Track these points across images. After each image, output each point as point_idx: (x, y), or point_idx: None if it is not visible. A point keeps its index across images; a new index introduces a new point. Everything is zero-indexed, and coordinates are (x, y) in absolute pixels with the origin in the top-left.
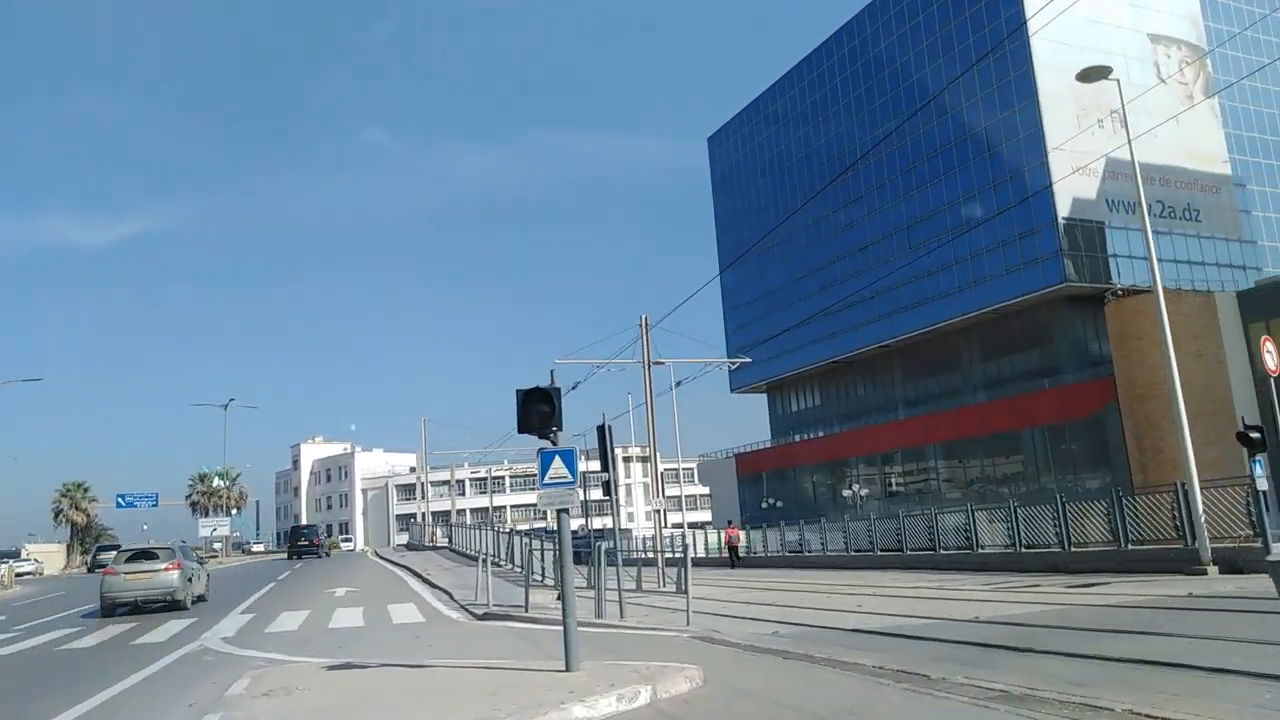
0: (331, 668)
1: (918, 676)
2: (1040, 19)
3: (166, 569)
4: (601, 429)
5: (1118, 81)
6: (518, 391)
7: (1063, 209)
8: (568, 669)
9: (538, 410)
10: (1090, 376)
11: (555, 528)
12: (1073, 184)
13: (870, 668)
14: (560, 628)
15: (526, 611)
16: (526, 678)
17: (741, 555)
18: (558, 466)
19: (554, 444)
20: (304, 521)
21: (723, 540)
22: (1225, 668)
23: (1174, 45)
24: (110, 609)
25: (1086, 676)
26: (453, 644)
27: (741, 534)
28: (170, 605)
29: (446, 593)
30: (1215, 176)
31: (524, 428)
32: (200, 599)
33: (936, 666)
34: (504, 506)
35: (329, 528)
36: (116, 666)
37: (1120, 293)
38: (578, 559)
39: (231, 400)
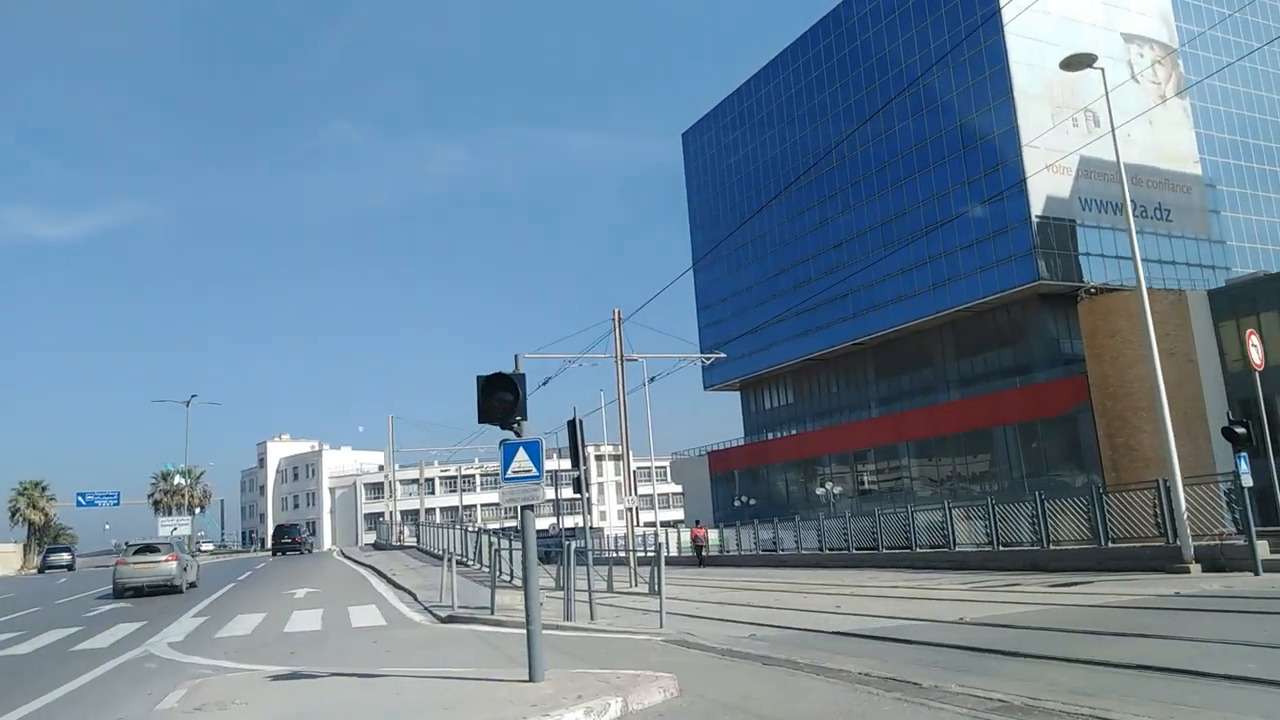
0: (276, 678)
1: (908, 684)
2: (1015, 16)
3: (167, 560)
4: (572, 423)
5: (1102, 70)
6: (478, 378)
7: (1036, 207)
8: (531, 679)
9: (500, 398)
10: (1063, 374)
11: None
12: (1046, 182)
13: (856, 675)
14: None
15: (493, 614)
16: (486, 689)
17: (711, 555)
18: (522, 459)
19: (518, 435)
20: (270, 520)
21: (692, 537)
22: (1244, 675)
23: (1147, 45)
24: (120, 592)
25: (1092, 684)
26: (412, 650)
27: (713, 533)
28: (170, 589)
29: (410, 594)
30: (1186, 176)
31: (485, 417)
32: (192, 585)
33: (926, 673)
34: (474, 505)
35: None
36: (49, 675)
37: (1093, 291)
38: (548, 559)
39: (194, 397)
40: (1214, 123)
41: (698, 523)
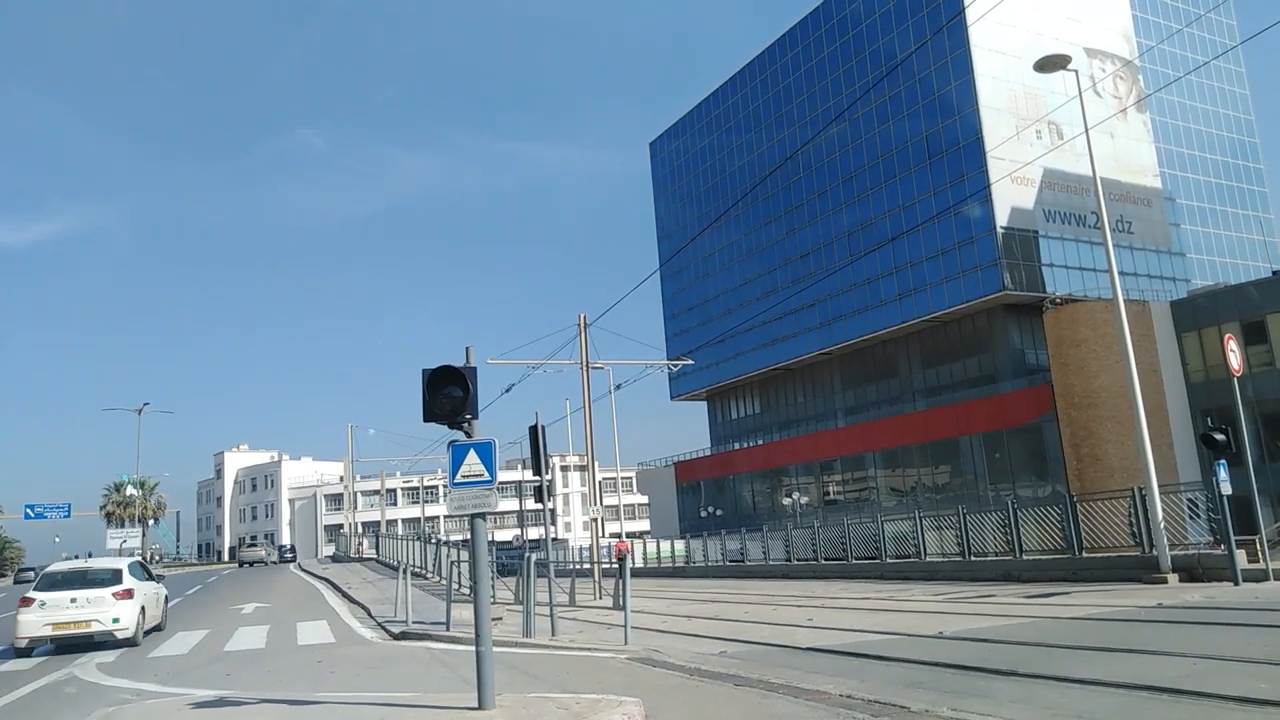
0: (199, 705)
1: (895, 708)
2: (979, 18)
3: (261, 549)
4: (534, 429)
5: (1076, 73)
6: (424, 372)
7: (1001, 218)
8: (480, 706)
9: (448, 394)
10: (1027, 384)
11: (471, 536)
12: (1011, 194)
13: (837, 697)
14: None
15: (448, 630)
16: (429, 719)
17: (679, 566)
18: (472, 462)
19: (468, 435)
20: (227, 533)
21: (613, 553)
22: (1259, 697)
23: (1108, 60)
24: (241, 564)
25: (1093, 707)
26: (358, 670)
27: (679, 544)
28: (264, 563)
29: (364, 608)
30: (1147, 189)
31: (431, 415)
32: (274, 561)
33: (913, 694)
34: (436, 517)
35: (253, 539)
36: None
37: (1058, 301)
38: (509, 571)
39: (146, 405)
40: (1174, 138)
41: (620, 538)
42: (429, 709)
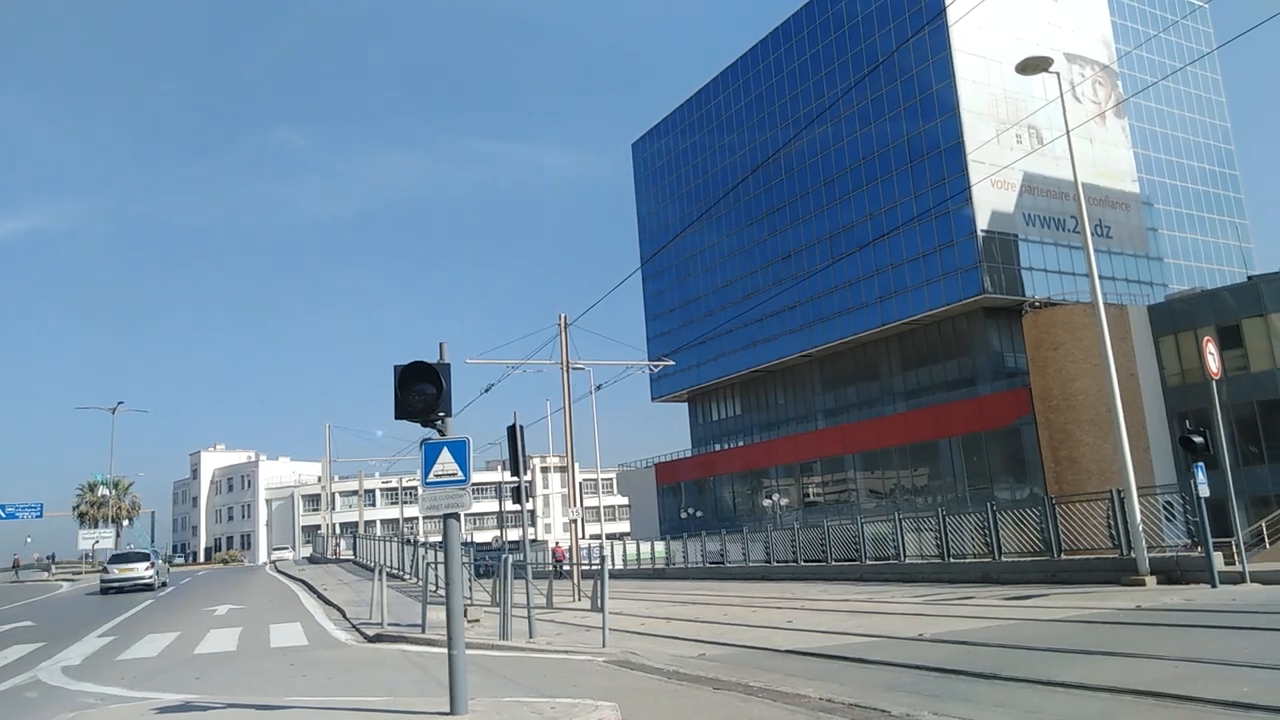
0: (163, 710)
1: (876, 712)
2: (960, 19)
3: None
4: (513, 429)
5: (1058, 75)
6: (396, 368)
7: (981, 221)
8: (452, 711)
9: (420, 391)
10: (1006, 387)
11: (444, 537)
12: (991, 197)
13: (817, 700)
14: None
15: (423, 632)
16: None
17: (658, 568)
18: (445, 461)
19: (441, 434)
20: (203, 533)
21: (554, 555)
22: (1239, 701)
23: (1088, 65)
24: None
25: (1075, 711)
26: (330, 674)
27: (659, 545)
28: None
29: (340, 610)
30: (1125, 194)
31: (403, 413)
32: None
33: (894, 698)
34: (415, 518)
35: (229, 540)
36: None
37: (1036, 305)
38: (488, 573)
39: (120, 404)
40: (1151, 143)
41: (558, 544)
42: (399, 714)
